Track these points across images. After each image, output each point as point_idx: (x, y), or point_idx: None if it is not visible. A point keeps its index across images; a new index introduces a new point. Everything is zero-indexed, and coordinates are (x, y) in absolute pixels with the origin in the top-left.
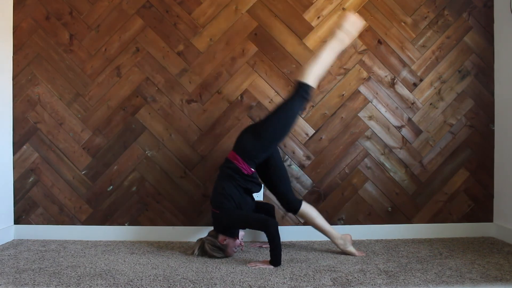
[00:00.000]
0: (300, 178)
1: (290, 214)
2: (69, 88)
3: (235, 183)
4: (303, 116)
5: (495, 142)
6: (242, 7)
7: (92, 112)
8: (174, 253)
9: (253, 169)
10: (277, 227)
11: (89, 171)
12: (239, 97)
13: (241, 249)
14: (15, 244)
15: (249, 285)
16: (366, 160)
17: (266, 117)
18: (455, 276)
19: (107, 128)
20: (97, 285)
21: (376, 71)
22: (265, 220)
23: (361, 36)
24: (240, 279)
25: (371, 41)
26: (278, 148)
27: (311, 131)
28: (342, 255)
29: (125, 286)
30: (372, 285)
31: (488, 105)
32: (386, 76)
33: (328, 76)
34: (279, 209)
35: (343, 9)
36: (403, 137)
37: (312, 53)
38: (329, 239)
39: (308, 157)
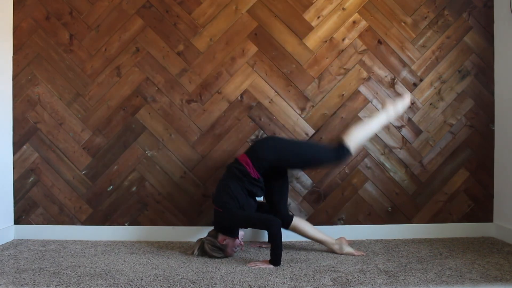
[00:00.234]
0: (300, 178)
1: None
2: (69, 88)
3: (241, 185)
4: (303, 116)
5: (495, 142)
6: (242, 7)
7: (92, 112)
8: (174, 253)
9: (259, 175)
10: (280, 227)
11: (89, 171)
12: (239, 97)
13: (241, 249)
14: (15, 244)
15: (249, 285)
16: (366, 160)
17: (299, 144)
18: (455, 276)
19: (107, 128)
20: (97, 285)
21: (376, 71)
22: (268, 219)
23: (361, 36)
24: (240, 279)
25: (371, 41)
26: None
27: (311, 131)
28: (342, 255)
29: (125, 286)
30: (372, 285)
31: (488, 105)
32: (386, 76)
33: (328, 76)
34: None
35: (343, 9)
36: (403, 137)
37: (312, 53)
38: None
39: None
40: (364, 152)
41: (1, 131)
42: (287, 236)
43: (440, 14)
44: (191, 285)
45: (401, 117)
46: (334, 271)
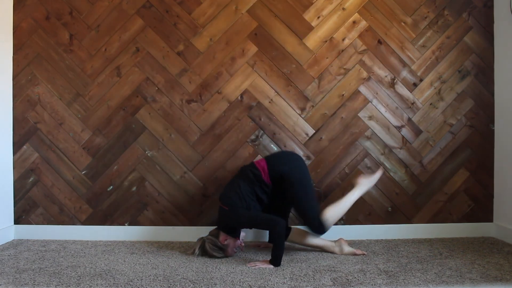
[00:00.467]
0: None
1: None
2: (69, 88)
3: (252, 188)
4: (303, 116)
5: (495, 142)
6: (242, 7)
7: (92, 112)
8: (174, 253)
9: (271, 182)
10: (284, 227)
11: (89, 171)
12: (239, 97)
13: (241, 250)
14: (15, 244)
15: (249, 285)
16: (366, 160)
17: (310, 189)
18: (455, 276)
19: (107, 128)
20: (97, 285)
21: (376, 71)
22: (272, 219)
23: (361, 36)
24: (240, 279)
25: (371, 41)
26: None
27: (311, 131)
28: (342, 255)
29: (125, 286)
30: (372, 285)
31: (488, 105)
32: (386, 76)
33: (328, 76)
34: None
35: (343, 9)
36: (403, 137)
37: (312, 53)
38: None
39: (308, 157)
40: (364, 152)
41: (1, 131)
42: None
43: (440, 14)
44: (191, 285)
45: (401, 117)
46: (334, 271)
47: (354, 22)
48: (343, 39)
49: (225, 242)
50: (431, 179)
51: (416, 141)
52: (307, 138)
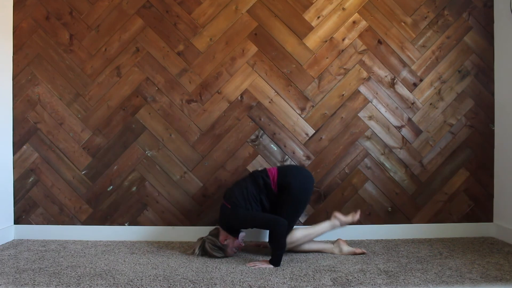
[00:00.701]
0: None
1: None
2: (69, 88)
3: (258, 194)
4: (303, 116)
5: (495, 142)
6: (242, 7)
7: (92, 112)
8: (174, 253)
9: (277, 191)
10: (286, 228)
11: (89, 171)
12: (239, 97)
13: (239, 250)
14: (15, 244)
15: (249, 285)
16: (366, 160)
17: (302, 205)
18: (455, 276)
19: (107, 128)
20: (97, 285)
21: (376, 71)
22: (275, 219)
23: (361, 36)
24: (240, 279)
25: (371, 41)
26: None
27: (311, 131)
28: (342, 255)
29: (125, 286)
30: (372, 285)
31: (488, 105)
32: (386, 76)
33: (328, 76)
34: None
35: (343, 9)
36: (403, 137)
37: (312, 53)
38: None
39: (308, 157)
40: (364, 152)
41: (1, 131)
42: None
43: (440, 14)
44: (191, 285)
45: (401, 117)
46: (334, 271)
47: (354, 22)
48: (343, 39)
49: (225, 242)
50: (431, 179)
51: (416, 141)
52: (307, 138)
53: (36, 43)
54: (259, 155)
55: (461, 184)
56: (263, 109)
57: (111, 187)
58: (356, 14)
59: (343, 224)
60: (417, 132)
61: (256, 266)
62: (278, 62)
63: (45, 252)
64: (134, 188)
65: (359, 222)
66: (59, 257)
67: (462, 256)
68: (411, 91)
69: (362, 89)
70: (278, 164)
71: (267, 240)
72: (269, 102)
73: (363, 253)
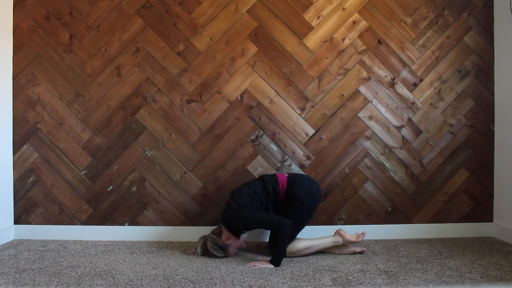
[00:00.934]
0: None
1: None
2: (69, 88)
3: (266, 199)
4: (303, 116)
5: (495, 142)
6: (242, 7)
7: (92, 112)
8: (174, 253)
9: (284, 200)
10: (290, 228)
11: (89, 171)
12: (239, 97)
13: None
14: (15, 244)
15: (249, 285)
16: (366, 160)
17: (308, 213)
18: (455, 276)
19: (107, 128)
20: (97, 285)
21: (376, 71)
22: (279, 220)
23: (361, 36)
24: (240, 279)
25: (371, 41)
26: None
27: (311, 131)
28: (342, 255)
29: (125, 286)
30: (372, 285)
31: (488, 105)
32: (386, 76)
33: (328, 76)
34: None
35: (343, 9)
36: (403, 137)
37: (312, 53)
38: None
39: (308, 157)
40: (364, 152)
41: (1, 131)
42: None
43: (440, 14)
44: (191, 285)
45: (401, 117)
46: (334, 271)
47: (354, 22)
48: (343, 39)
49: (227, 242)
50: (431, 179)
51: (416, 141)
52: (307, 138)
53: (36, 43)
54: (259, 155)
55: (461, 184)
56: (263, 109)
57: (111, 187)
58: (356, 14)
59: (345, 242)
60: (417, 132)
61: (256, 266)
62: (278, 62)
63: (45, 252)
64: (134, 188)
65: (358, 222)
66: (59, 257)
67: (462, 256)
68: (411, 91)
69: (362, 89)
70: (278, 164)
71: (267, 240)
72: (269, 102)
73: (364, 235)
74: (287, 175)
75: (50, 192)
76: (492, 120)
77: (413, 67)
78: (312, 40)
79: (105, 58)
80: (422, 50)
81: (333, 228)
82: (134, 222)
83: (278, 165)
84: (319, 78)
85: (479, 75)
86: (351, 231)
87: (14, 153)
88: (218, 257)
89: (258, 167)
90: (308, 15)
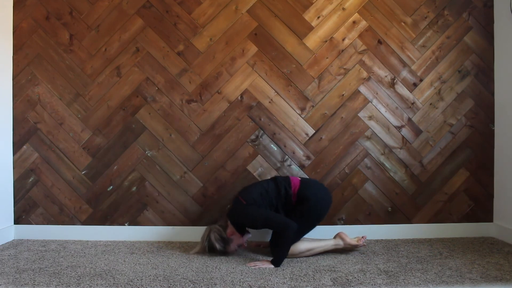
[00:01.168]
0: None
1: None
2: (69, 88)
3: (276, 201)
4: (303, 116)
5: (495, 142)
6: (242, 7)
7: (92, 112)
8: (174, 253)
9: (295, 203)
10: (296, 231)
11: (89, 171)
12: (239, 97)
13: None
14: (15, 244)
15: (249, 285)
16: (366, 160)
17: (317, 217)
18: (455, 276)
19: (107, 128)
20: (97, 285)
21: (376, 71)
22: (287, 221)
23: (361, 36)
24: (240, 279)
25: (371, 41)
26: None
27: (311, 131)
28: (342, 255)
29: (125, 286)
30: (372, 285)
31: (488, 105)
32: (386, 76)
33: (328, 76)
34: None
35: (343, 9)
36: (403, 137)
37: (312, 53)
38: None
39: (308, 157)
40: (364, 152)
41: (1, 131)
42: None
43: (440, 14)
44: (191, 285)
45: (401, 117)
46: (334, 271)
47: (354, 22)
48: (343, 39)
49: (231, 237)
50: (431, 179)
51: (416, 141)
52: (307, 138)
53: (36, 43)
54: (259, 155)
55: (461, 184)
56: (263, 109)
57: (111, 187)
58: (356, 14)
59: (346, 245)
60: (417, 132)
61: (257, 266)
62: (278, 62)
63: (45, 252)
64: (134, 188)
65: (358, 222)
66: (59, 257)
67: (462, 256)
68: (411, 91)
69: (362, 89)
70: (278, 164)
71: (268, 240)
72: (269, 102)
73: (364, 243)
74: (300, 179)
75: (50, 192)
76: (492, 120)
77: (413, 67)
78: (312, 40)
79: (105, 58)
80: (422, 50)
81: (333, 228)
82: (134, 222)
83: (278, 165)
84: (319, 78)
85: (479, 75)
86: (351, 231)
87: (14, 153)
88: (217, 250)
89: (258, 167)
90: (308, 15)
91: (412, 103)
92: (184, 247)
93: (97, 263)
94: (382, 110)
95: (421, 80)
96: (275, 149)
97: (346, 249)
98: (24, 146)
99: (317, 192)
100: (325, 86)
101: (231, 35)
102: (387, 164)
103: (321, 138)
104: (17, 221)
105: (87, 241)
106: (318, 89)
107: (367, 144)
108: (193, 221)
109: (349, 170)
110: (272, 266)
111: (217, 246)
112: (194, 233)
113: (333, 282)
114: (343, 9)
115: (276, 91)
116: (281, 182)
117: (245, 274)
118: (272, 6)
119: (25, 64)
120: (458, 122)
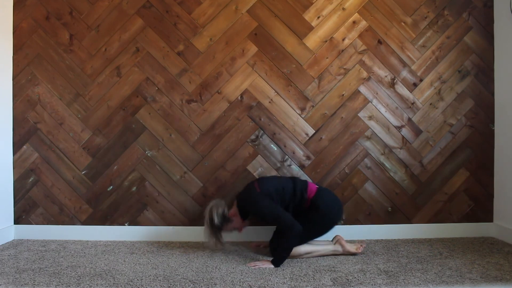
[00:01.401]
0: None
1: None
2: (69, 88)
3: (289, 202)
4: (303, 116)
5: (495, 142)
6: (242, 7)
7: (92, 112)
8: (174, 253)
9: (308, 207)
10: (300, 233)
11: (89, 171)
12: (239, 97)
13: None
14: (15, 244)
15: (249, 285)
16: (366, 160)
17: (327, 222)
18: (455, 276)
19: (107, 128)
20: (97, 285)
21: (376, 71)
22: (293, 222)
23: (361, 36)
24: (240, 279)
25: (371, 41)
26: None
27: (311, 131)
28: (342, 255)
29: (125, 286)
30: (372, 285)
31: (488, 105)
32: (386, 76)
33: (328, 76)
34: None
35: (343, 9)
36: (403, 137)
37: (312, 53)
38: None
39: (308, 157)
40: (364, 152)
41: (1, 131)
42: None
43: (440, 14)
44: (191, 285)
45: (401, 117)
46: (334, 271)
47: (354, 22)
48: (343, 39)
49: (232, 217)
50: (431, 179)
51: (416, 141)
52: (307, 138)
53: (36, 43)
54: (259, 155)
55: (461, 184)
56: (263, 109)
57: (111, 187)
58: (356, 14)
59: (345, 251)
60: (417, 132)
61: (257, 266)
62: (278, 62)
63: (45, 252)
64: (134, 188)
65: (358, 222)
66: (59, 257)
67: (462, 256)
68: (411, 91)
69: (362, 89)
70: (278, 164)
71: (268, 240)
72: (269, 102)
73: (363, 246)
74: (317, 186)
75: (50, 192)
76: (492, 120)
77: (413, 67)
78: (312, 40)
79: (105, 58)
80: (422, 50)
81: (333, 228)
82: (134, 222)
83: (278, 165)
84: (319, 78)
85: (479, 75)
86: (351, 231)
87: (14, 153)
88: (214, 224)
89: (258, 167)
90: (308, 15)
91: (412, 103)
92: (184, 247)
93: (97, 263)
94: (382, 110)
95: (421, 80)
96: (275, 149)
97: (345, 255)
98: (24, 146)
99: (332, 205)
100: (325, 86)
101: (231, 35)
102: (387, 164)
103: (321, 138)
104: (17, 221)
105: (87, 241)
106: (318, 89)
107: (367, 144)
108: (193, 221)
109: (349, 170)
110: (272, 266)
111: (216, 220)
112: (194, 233)
113: (333, 282)
114: (343, 9)
115: (276, 91)
116: (298, 185)
117: (245, 274)
118: (272, 6)
119: (25, 64)
120: (458, 122)
